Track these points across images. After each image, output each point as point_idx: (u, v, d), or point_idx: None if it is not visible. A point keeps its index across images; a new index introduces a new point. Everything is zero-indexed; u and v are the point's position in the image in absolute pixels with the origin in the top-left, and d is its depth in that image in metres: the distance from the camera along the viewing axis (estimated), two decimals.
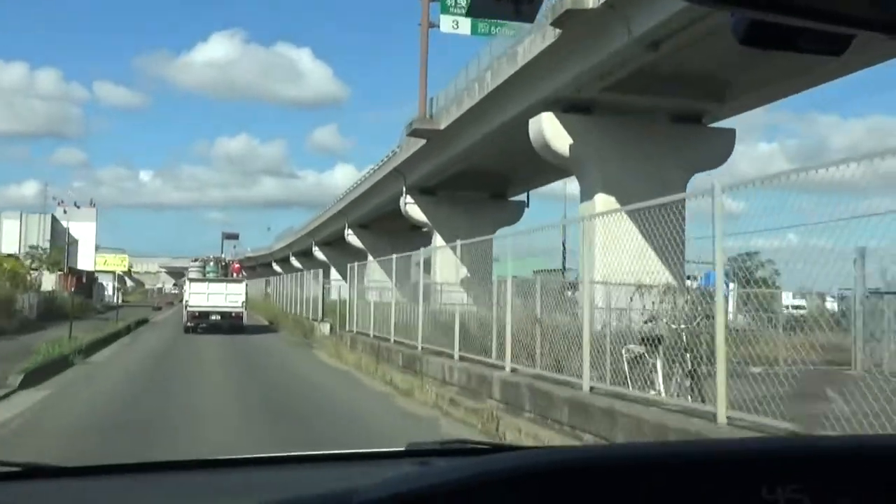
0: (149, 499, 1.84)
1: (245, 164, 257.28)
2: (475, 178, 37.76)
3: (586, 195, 24.08)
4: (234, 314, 27.26)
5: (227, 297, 27.59)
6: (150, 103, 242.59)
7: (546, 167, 35.23)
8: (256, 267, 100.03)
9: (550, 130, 23.39)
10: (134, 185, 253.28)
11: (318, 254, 65.15)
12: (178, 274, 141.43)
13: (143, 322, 28.49)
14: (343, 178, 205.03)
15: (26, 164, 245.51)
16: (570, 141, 23.43)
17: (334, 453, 2.30)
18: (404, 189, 39.39)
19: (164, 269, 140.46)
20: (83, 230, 42.89)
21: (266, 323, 33.17)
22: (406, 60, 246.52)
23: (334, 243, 63.09)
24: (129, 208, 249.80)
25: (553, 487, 1.15)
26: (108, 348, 17.72)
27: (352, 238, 54.01)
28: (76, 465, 2.05)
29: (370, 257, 52.36)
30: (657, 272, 8.47)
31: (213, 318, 27.06)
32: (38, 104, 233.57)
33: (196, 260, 34.10)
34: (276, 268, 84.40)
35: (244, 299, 28.03)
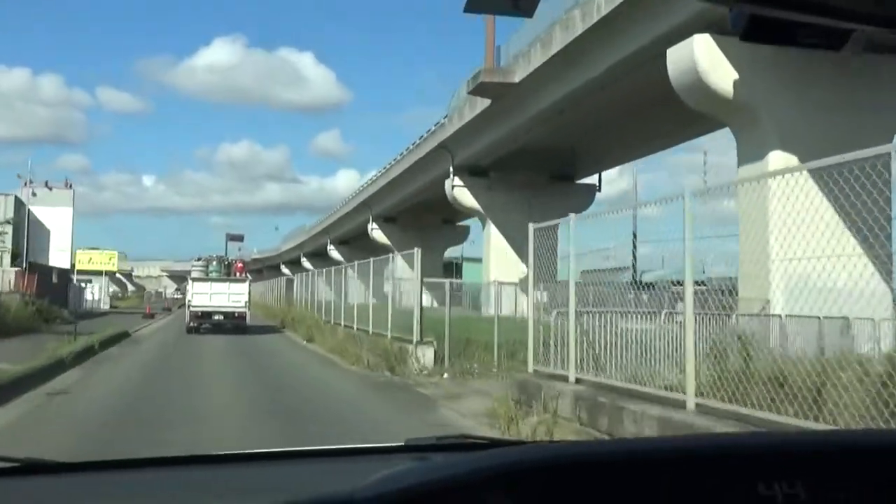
0: (148, 494, 1.80)
1: (248, 170, 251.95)
2: (535, 156, 30.76)
3: (751, 153, 16.87)
4: (237, 314, 26.88)
5: (230, 296, 27.22)
6: (152, 108, 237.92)
7: (638, 135, 28.21)
8: (263, 270, 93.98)
9: (707, 59, 16.12)
10: (137, 191, 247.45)
11: (334, 253, 58.87)
12: (180, 278, 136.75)
13: (118, 339, 19.53)
14: (346, 183, 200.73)
15: (28, 169, 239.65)
16: (735, 74, 16.14)
17: (332, 449, 2.25)
18: (451, 170, 32.19)
19: (165, 273, 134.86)
20: (56, 217, 34.02)
21: (298, 340, 23.72)
22: (411, 64, 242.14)
23: (353, 241, 57.35)
24: (132, 213, 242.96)
25: (552, 483, 1.14)
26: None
27: (377, 233, 47.48)
28: (75, 461, 2.00)
29: (397, 255, 45.07)
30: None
31: (216, 317, 26.67)
32: (41, 110, 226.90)
33: (199, 259, 33.03)
34: (285, 270, 77.85)
35: (247, 299, 27.63)
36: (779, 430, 5.02)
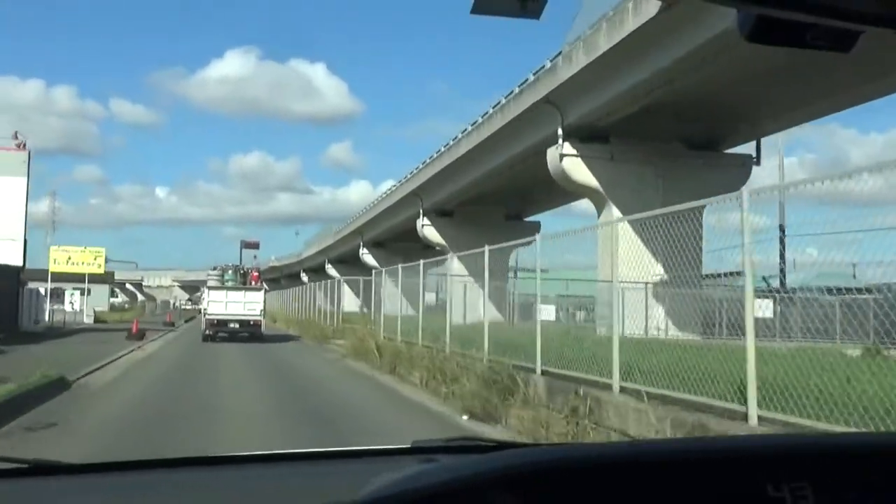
0: (154, 496, 1.78)
1: (260, 180, 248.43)
2: (669, 114, 21.80)
3: None
4: (252, 322, 27.23)
5: (245, 304, 27.47)
6: (165, 120, 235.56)
7: (819, 85, 19.06)
8: (281, 278, 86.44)
9: None
10: (150, 202, 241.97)
11: (368, 257, 51.27)
12: (192, 288, 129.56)
13: (15, 408, 8.55)
14: (358, 194, 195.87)
15: (43, 181, 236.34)
16: None
17: (340, 450, 2.26)
18: (560, 133, 23.02)
19: (177, 283, 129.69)
20: (2, 191, 23.82)
21: (424, 401, 11.94)
22: (422, 75, 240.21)
23: (389, 242, 49.90)
24: (146, 224, 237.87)
25: (559, 485, 1.13)
26: None
27: (428, 230, 38.71)
28: (82, 463, 1.95)
29: (451, 255, 35.59)
30: None
31: (232, 325, 27.01)
32: (55, 121, 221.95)
33: (215, 268, 33.28)
34: (305, 278, 70.48)
35: (262, 307, 28.01)
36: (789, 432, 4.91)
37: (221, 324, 26.93)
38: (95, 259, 32.33)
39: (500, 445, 1.96)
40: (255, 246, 55.60)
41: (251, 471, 1.96)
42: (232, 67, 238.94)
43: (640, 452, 1.32)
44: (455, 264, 19.77)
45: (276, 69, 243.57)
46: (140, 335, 24.81)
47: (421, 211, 38.44)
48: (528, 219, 39.73)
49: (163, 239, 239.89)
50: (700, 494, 1.16)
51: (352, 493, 1.10)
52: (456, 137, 31.92)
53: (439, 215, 38.32)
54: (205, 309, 28.12)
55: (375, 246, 51.62)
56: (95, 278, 69.18)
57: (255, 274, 35.54)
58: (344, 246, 59.19)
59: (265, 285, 36.12)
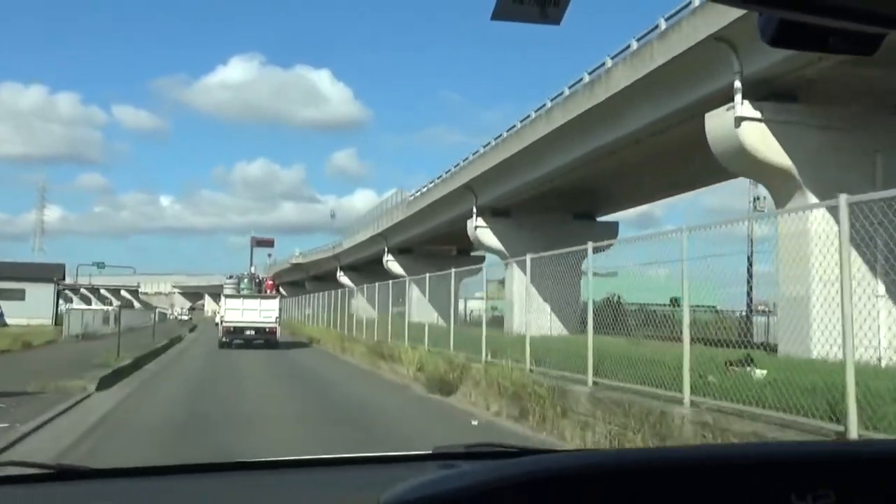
0: (176, 501, 1.82)
1: (265, 189, 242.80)
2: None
3: None
4: (268, 329, 28.03)
5: (261, 312, 28.31)
6: (169, 126, 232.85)
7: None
8: (305, 281, 65.24)
9: None
10: (154, 210, 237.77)
11: (486, 235, 30.15)
12: (194, 295, 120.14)
13: None
14: (363, 203, 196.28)
15: (47, 189, 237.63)
16: None
17: (360, 456, 2.24)
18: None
19: (177, 290, 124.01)
20: None
21: None
22: (430, 83, 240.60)
23: (519, 207, 29.29)
24: (149, 232, 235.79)
25: (578, 491, 1.14)
26: None
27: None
28: (107, 468, 1.99)
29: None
30: None
31: (248, 332, 27.82)
32: (58, 128, 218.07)
33: (231, 277, 34.74)
34: (345, 280, 50.61)
35: (277, 315, 28.75)
36: (812, 440, 5.12)
37: (238, 331, 27.95)
38: None
39: (522, 451, 2.05)
40: (270, 244, 50.75)
41: (273, 477, 2.00)
42: (236, 73, 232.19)
43: (661, 459, 1.32)
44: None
45: (281, 75, 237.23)
46: None
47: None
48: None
49: (167, 247, 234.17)
50: (722, 502, 1.16)
51: (373, 498, 1.11)
52: None
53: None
54: (222, 317, 29.18)
55: (498, 215, 30.46)
56: (34, 275, 49.65)
57: (270, 282, 37.83)
58: (421, 223, 37.54)
59: (282, 291, 38.22)
